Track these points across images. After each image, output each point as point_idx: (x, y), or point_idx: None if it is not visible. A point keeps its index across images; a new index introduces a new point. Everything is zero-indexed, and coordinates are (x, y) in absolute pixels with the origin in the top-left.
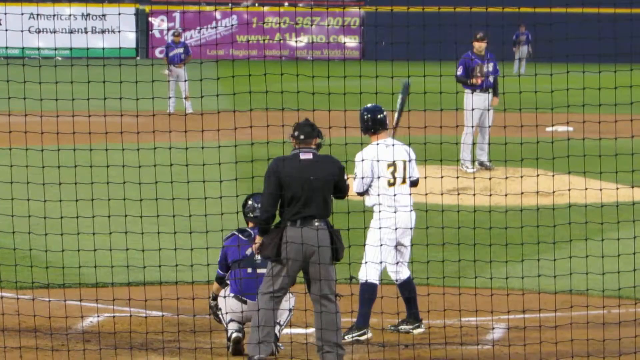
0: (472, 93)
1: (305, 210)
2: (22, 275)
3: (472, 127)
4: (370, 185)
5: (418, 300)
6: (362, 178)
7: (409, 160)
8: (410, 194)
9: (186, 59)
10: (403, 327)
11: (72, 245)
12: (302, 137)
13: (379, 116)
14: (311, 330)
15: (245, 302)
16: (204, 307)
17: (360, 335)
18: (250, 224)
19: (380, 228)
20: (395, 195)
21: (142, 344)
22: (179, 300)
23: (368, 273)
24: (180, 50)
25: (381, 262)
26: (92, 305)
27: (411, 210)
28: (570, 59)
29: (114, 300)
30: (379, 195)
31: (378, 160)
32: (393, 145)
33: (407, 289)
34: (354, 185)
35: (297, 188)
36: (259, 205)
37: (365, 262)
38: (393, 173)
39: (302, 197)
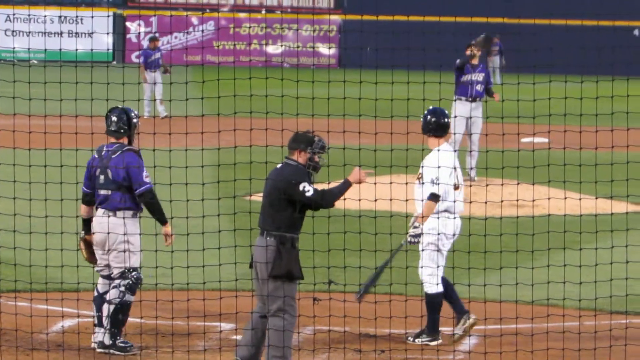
0: (456, 101)
1: (260, 220)
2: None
3: (456, 134)
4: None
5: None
6: (440, 184)
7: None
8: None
9: (163, 64)
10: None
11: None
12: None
13: (443, 120)
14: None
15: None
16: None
17: (430, 341)
18: (111, 139)
19: (438, 234)
20: (455, 201)
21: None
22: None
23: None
24: (158, 55)
25: (438, 267)
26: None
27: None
28: (539, 70)
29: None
30: (444, 201)
31: (455, 168)
32: (455, 151)
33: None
34: (435, 190)
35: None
36: (116, 119)
37: (428, 274)
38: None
39: (262, 206)
